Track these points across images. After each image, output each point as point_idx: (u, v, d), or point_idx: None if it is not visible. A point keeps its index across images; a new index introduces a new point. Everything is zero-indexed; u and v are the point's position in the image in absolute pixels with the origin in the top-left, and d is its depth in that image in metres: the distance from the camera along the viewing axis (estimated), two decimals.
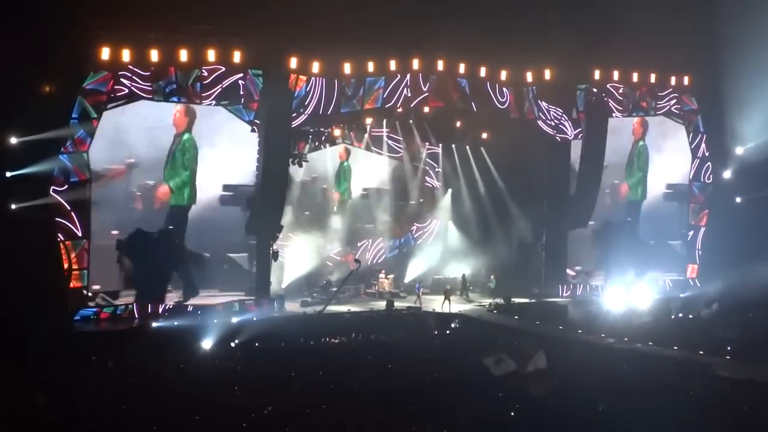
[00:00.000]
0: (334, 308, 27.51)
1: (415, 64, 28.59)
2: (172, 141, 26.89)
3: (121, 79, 24.67)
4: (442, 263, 32.86)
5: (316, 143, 30.08)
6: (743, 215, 32.33)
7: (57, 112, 23.91)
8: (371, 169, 32.82)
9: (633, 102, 31.99)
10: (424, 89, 28.89)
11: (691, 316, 28.66)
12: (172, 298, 26.48)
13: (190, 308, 25.59)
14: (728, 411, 16.86)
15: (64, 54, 23.50)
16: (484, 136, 33.10)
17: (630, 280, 30.82)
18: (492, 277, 31.08)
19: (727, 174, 32.92)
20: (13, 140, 23.16)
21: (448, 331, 26.60)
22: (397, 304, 28.57)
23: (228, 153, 27.17)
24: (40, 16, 22.80)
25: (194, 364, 21.20)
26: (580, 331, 25.52)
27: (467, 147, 33.49)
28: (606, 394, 17.38)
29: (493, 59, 29.45)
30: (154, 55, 24.89)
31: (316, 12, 25.39)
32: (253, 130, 26.60)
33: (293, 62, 26.78)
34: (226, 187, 27.81)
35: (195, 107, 26.58)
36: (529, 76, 30.17)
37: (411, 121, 32.08)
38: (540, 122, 30.66)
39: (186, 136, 26.76)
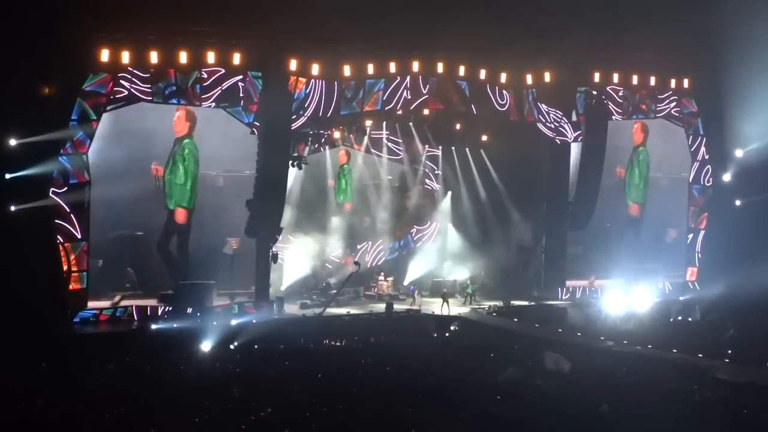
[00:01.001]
0: (333, 310, 27.46)
1: (415, 66, 28.55)
2: (173, 145, 26.79)
3: (121, 81, 24.64)
4: (442, 266, 32.83)
5: (316, 145, 30.08)
6: (743, 218, 32.29)
7: (56, 113, 23.89)
8: None
9: (633, 105, 31.93)
10: (424, 91, 28.85)
11: (690, 319, 28.71)
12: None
13: (189, 310, 25.54)
14: (728, 414, 16.86)
15: (64, 56, 23.45)
16: (484, 138, 33.07)
17: (629, 283, 30.83)
18: (468, 282, 30.85)
19: (726, 177, 32.85)
20: (13, 142, 23.13)
21: (447, 334, 26.58)
22: (397, 306, 28.51)
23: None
24: (39, 18, 22.79)
25: (193, 366, 21.19)
26: (579, 334, 25.51)
27: (467, 149, 33.48)
28: (605, 396, 17.38)
29: (492, 62, 29.41)
30: (154, 57, 24.85)
31: (315, 14, 25.35)
32: (252, 132, 26.56)
33: (293, 64, 26.73)
34: None
35: (195, 111, 26.48)
36: (528, 79, 30.13)
37: (411, 123, 32.04)
38: (540, 125, 30.63)
39: (186, 140, 26.62)
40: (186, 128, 26.68)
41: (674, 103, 32.58)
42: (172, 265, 27.08)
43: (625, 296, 29.90)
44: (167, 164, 26.77)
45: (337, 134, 30.94)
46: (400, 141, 32.99)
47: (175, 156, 26.72)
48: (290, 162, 27.61)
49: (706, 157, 33.15)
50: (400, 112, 30.04)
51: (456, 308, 28.70)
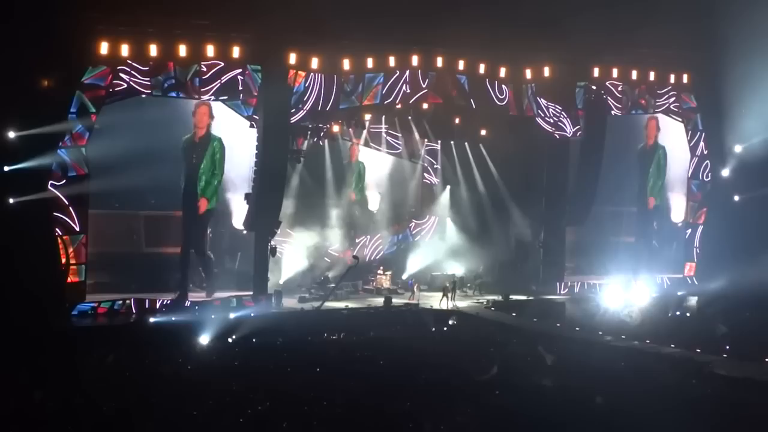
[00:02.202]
0: (331, 304, 27.46)
1: (414, 60, 28.51)
2: (196, 144, 26.18)
3: (120, 74, 24.61)
4: (440, 260, 32.82)
5: (315, 139, 30.09)
6: (742, 213, 32.30)
7: (55, 106, 23.84)
8: None
9: (632, 100, 31.91)
10: (423, 86, 28.82)
11: (688, 315, 28.73)
12: None
13: (187, 303, 25.54)
14: (725, 409, 16.89)
15: (63, 48, 23.44)
16: (483, 133, 33.10)
17: (629, 279, 30.83)
18: (457, 279, 30.35)
19: (725, 172, 32.84)
20: (11, 134, 23.15)
21: (445, 328, 26.58)
22: (395, 300, 28.51)
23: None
24: (38, 10, 22.77)
25: (192, 359, 21.20)
26: (577, 329, 25.52)
27: (466, 144, 33.49)
28: (603, 391, 17.41)
29: (492, 56, 29.39)
30: (153, 50, 24.82)
31: (315, 8, 25.32)
32: (251, 126, 26.54)
33: (292, 58, 26.70)
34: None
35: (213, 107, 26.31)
36: (528, 73, 30.11)
37: (410, 117, 32.05)
38: (539, 119, 30.61)
39: (216, 137, 26.22)
40: (207, 125, 26.21)
41: (673, 99, 32.55)
42: (209, 267, 26.94)
43: (624, 291, 29.91)
44: (195, 162, 26.07)
45: (336, 128, 30.96)
46: (399, 135, 33.00)
47: (206, 153, 26.03)
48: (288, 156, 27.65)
49: (705, 153, 33.13)
50: (399, 106, 30.00)
51: (454, 302, 28.67)
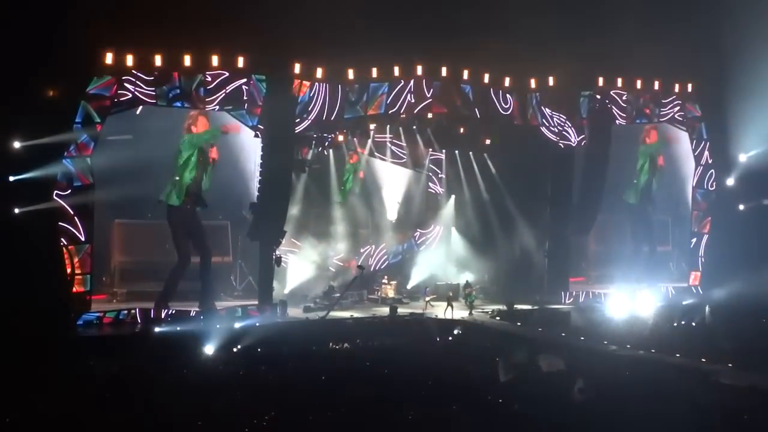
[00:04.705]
0: (336, 314, 27.42)
1: (419, 70, 28.51)
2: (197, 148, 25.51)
3: (125, 84, 24.58)
4: (445, 269, 32.81)
5: (320, 149, 30.14)
6: (746, 222, 32.28)
7: (60, 116, 23.85)
8: None
9: (636, 109, 31.89)
10: (428, 95, 28.81)
11: (693, 324, 28.65)
12: None
13: (192, 313, 25.53)
14: (730, 419, 16.84)
15: (68, 58, 23.47)
16: (488, 142, 33.12)
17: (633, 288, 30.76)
18: (465, 288, 29.99)
19: (730, 181, 32.81)
20: (16, 144, 23.17)
21: (450, 338, 26.56)
22: (401, 310, 28.47)
23: None
24: (43, 20, 22.82)
25: (197, 369, 21.20)
26: (582, 338, 25.47)
27: (470, 153, 33.50)
28: (608, 400, 17.39)
29: (496, 66, 29.40)
30: (158, 60, 24.84)
31: (319, 17, 25.39)
32: (256, 136, 26.56)
33: (297, 67, 26.71)
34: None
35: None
36: (532, 83, 30.12)
37: (414, 127, 32.06)
38: (543, 129, 30.61)
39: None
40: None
41: (678, 108, 32.53)
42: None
43: (630, 300, 29.84)
44: (207, 170, 25.46)
45: (341, 138, 31.00)
46: (404, 145, 33.03)
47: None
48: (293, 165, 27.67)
49: (710, 162, 33.11)
50: (403, 116, 30.01)
51: (459, 312, 28.63)
